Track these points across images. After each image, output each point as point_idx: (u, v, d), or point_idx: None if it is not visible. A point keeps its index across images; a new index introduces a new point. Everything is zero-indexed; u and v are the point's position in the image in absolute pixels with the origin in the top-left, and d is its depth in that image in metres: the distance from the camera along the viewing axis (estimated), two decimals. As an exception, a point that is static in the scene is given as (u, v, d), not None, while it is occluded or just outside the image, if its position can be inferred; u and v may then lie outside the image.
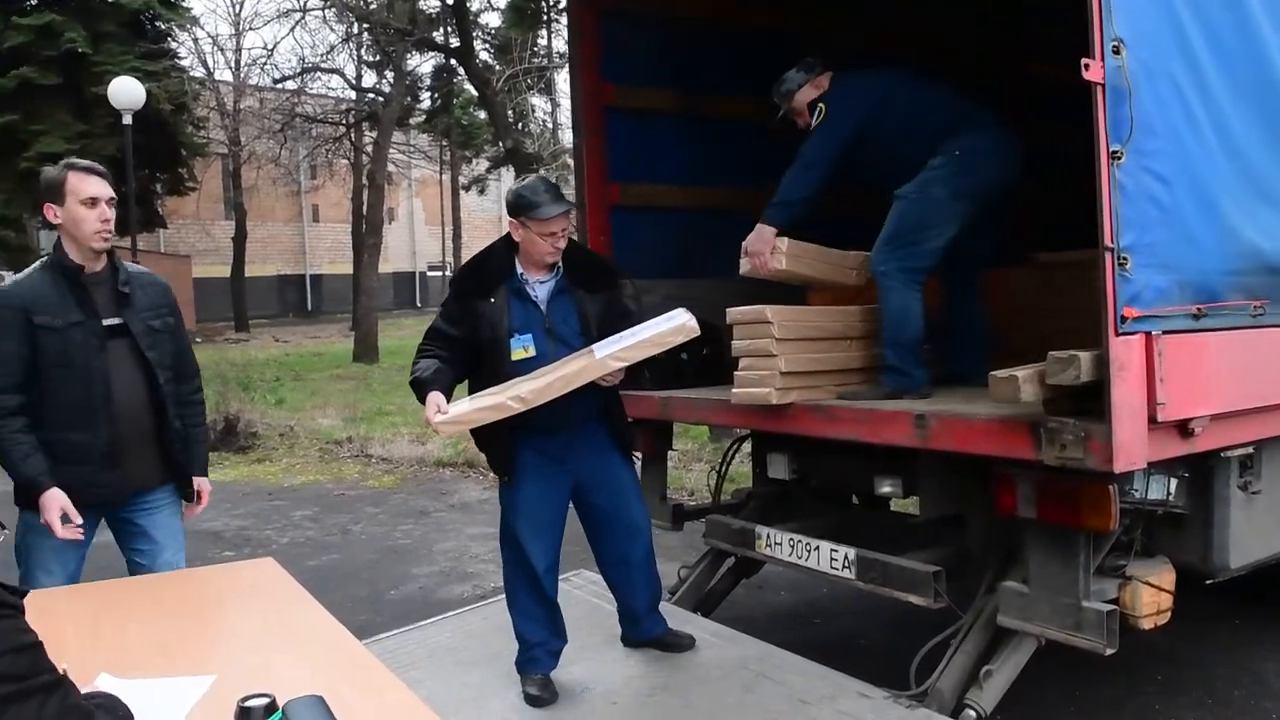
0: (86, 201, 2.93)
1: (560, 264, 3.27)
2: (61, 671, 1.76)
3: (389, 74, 19.33)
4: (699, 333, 3.13)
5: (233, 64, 21.11)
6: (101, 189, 2.98)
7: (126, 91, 10.45)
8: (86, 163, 3.06)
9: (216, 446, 9.63)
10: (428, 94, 23.34)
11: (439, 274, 38.79)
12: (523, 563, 3.35)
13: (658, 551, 3.62)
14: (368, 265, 18.72)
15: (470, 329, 3.24)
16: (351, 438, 9.98)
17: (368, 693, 1.88)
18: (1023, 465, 2.73)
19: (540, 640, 3.40)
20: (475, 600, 4.72)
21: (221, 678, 1.93)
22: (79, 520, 2.92)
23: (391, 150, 22.31)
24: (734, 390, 3.54)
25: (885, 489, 3.58)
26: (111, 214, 3.01)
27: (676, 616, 3.90)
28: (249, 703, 1.73)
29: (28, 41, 16.42)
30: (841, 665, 3.38)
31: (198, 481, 3.33)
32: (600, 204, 4.59)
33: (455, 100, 22.39)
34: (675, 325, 3.10)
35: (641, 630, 3.60)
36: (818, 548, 3.59)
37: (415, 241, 41.02)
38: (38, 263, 3.09)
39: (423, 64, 22.03)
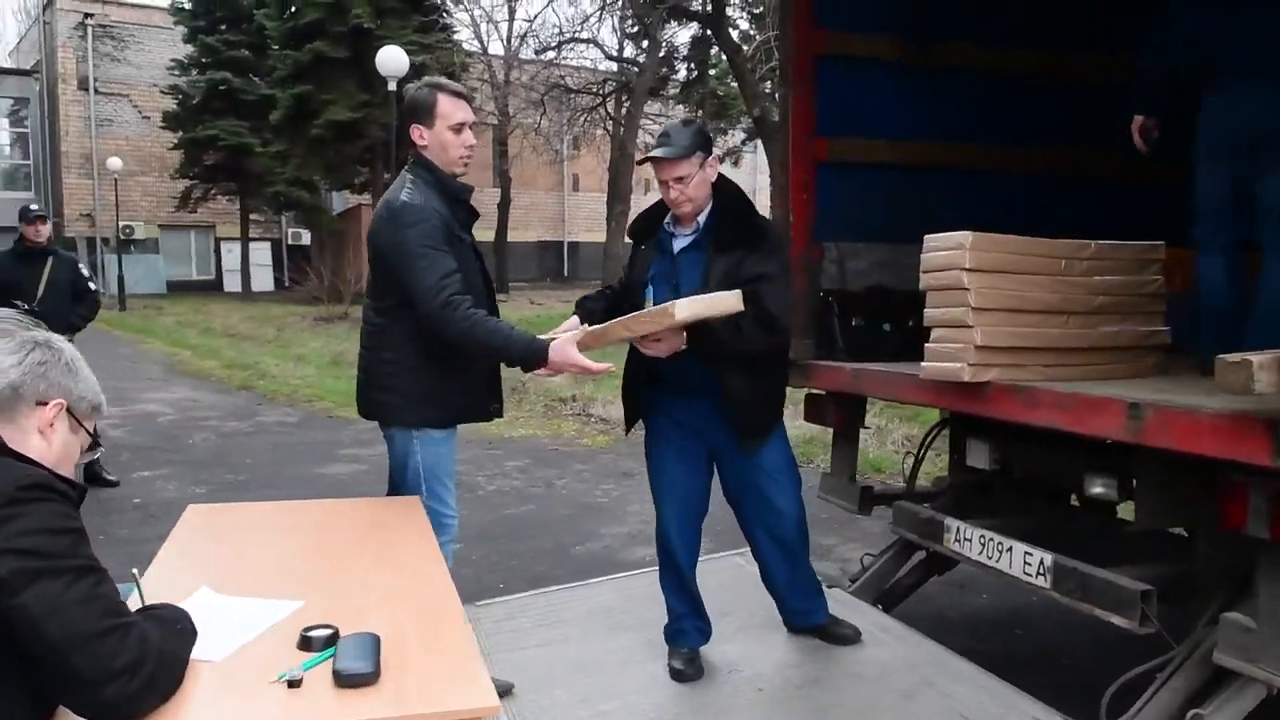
0: (455, 127, 2.85)
1: (707, 217, 3.03)
2: (132, 575, 1.80)
3: (645, 44, 19.58)
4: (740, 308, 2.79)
5: (504, 37, 22.13)
6: (468, 114, 2.92)
7: (392, 59, 11.18)
8: (455, 85, 2.96)
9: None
10: (684, 64, 23.46)
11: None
12: (660, 529, 3.20)
13: (853, 533, 3.31)
14: (615, 233, 19.14)
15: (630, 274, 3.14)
16: (575, 396, 10.20)
17: (434, 642, 1.78)
18: (1257, 472, 2.21)
19: (684, 611, 3.23)
20: (653, 566, 4.62)
21: (309, 605, 1.90)
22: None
23: (648, 121, 22.63)
24: (923, 364, 3.17)
25: (1097, 489, 3.07)
26: (473, 140, 2.93)
27: (848, 606, 3.60)
28: (311, 632, 1.69)
29: (321, 18, 18.06)
30: (1032, 684, 2.97)
31: None
32: (804, 160, 4.27)
33: (711, 70, 22.34)
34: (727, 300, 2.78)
35: (797, 617, 3.34)
36: (1010, 549, 3.15)
37: (668, 212, 41.60)
38: (410, 179, 2.88)
39: (679, 33, 22.11)
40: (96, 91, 25.18)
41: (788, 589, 3.29)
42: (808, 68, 4.27)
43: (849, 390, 3.91)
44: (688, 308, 2.69)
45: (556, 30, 19.95)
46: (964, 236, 3.01)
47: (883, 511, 4.06)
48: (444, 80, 2.98)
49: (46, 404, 1.54)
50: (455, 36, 19.85)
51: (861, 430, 4.33)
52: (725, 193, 3.03)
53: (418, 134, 2.87)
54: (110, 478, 6.27)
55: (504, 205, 28.88)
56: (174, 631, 1.56)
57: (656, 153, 2.92)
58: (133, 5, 26.19)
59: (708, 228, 3.01)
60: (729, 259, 2.96)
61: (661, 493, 3.20)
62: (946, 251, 3.07)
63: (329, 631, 1.72)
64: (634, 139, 20.09)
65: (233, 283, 26.84)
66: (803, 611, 3.33)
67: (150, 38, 25.73)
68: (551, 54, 20.00)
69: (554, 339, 2.74)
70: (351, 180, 21.29)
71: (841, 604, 3.65)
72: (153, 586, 2.03)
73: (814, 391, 4.21)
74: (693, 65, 23.19)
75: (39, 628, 1.34)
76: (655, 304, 2.98)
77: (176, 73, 23.55)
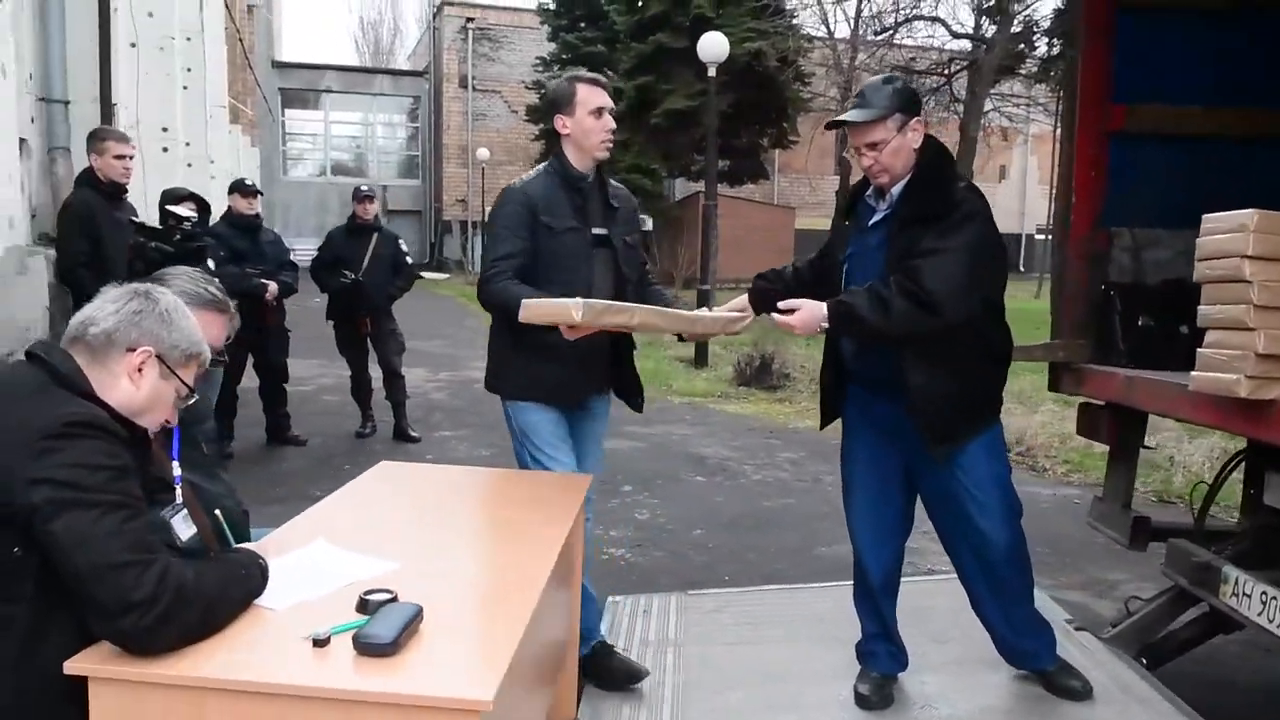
0: (594, 112, 2.91)
1: (902, 188, 2.65)
2: (215, 515, 1.89)
3: (998, 20, 18.16)
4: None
5: (850, 19, 21.60)
6: (606, 100, 2.98)
7: (713, 46, 11.26)
8: (592, 75, 3.07)
9: (748, 381, 10.18)
10: (1044, 39, 21.50)
11: (1046, 238, 36.12)
12: (852, 541, 2.88)
13: (1149, 570, 2.80)
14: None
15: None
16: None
17: (478, 625, 1.70)
18: None
19: (875, 632, 2.91)
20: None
21: (402, 569, 1.91)
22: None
23: (1003, 103, 21.05)
24: (1193, 373, 2.60)
25: None
26: (613, 124, 2.99)
27: (1095, 655, 3.09)
28: (370, 595, 1.69)
29: (665, 10, 18.71)
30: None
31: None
32: (1095, 129, 3.65)
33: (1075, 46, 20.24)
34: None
35: (1015, 657, 2.89)
36: (1298, 613, 2.51)
37: (1025, 201, 38.58)
38: (543, 165, 3.09)
39: (1038, 5, 20.30)
40: (474, 89, 28.06)
41: (1002, 624, 2.85)
42: (1105, 20, 3.65)
43: (1121, 400, 3.32)
44: (582, 309, 2.55)
45: (898, 8, 19.05)
46: (1247, 216, 2.42)
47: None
48: (581, 71, 3.08)
49: (135, 350, 1.65)
50: (795, 21, 19.61)
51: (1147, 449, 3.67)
52: (925, 157, 2.64)
53: (561, 123, 2.95)
54: (414, 434, 6.89)
55: (841, 193, 28.44)
56: (228, 576, 1.61)
57: (846, 115, 2.62)
58: (506, 9, 28.84)
59: (899, 200, 2.64)
60: (909, 237, 2.58)
61: (853, 501, 2.90)
62: (1225, 235, 2.50)
63: (387, 597, 1.70)
64: (977, 122, 18.77)
65: (580, 265, 28.78)
66: (1021, 653, 2.88)
67: (520, 38, 28.18)
68: (890, 33, 19.18)
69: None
70: (688, 167, 21.93)
71: (1088, 652, 3.13)
72: (287, 531, 2.15)
73: (1090, 401, 3.63)
74: (1054, 39, 21.17)
75: (67, 555, 1.43)
76: (852, 285, 2.69)
77: (540, 69, 25.59)
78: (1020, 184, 38.65)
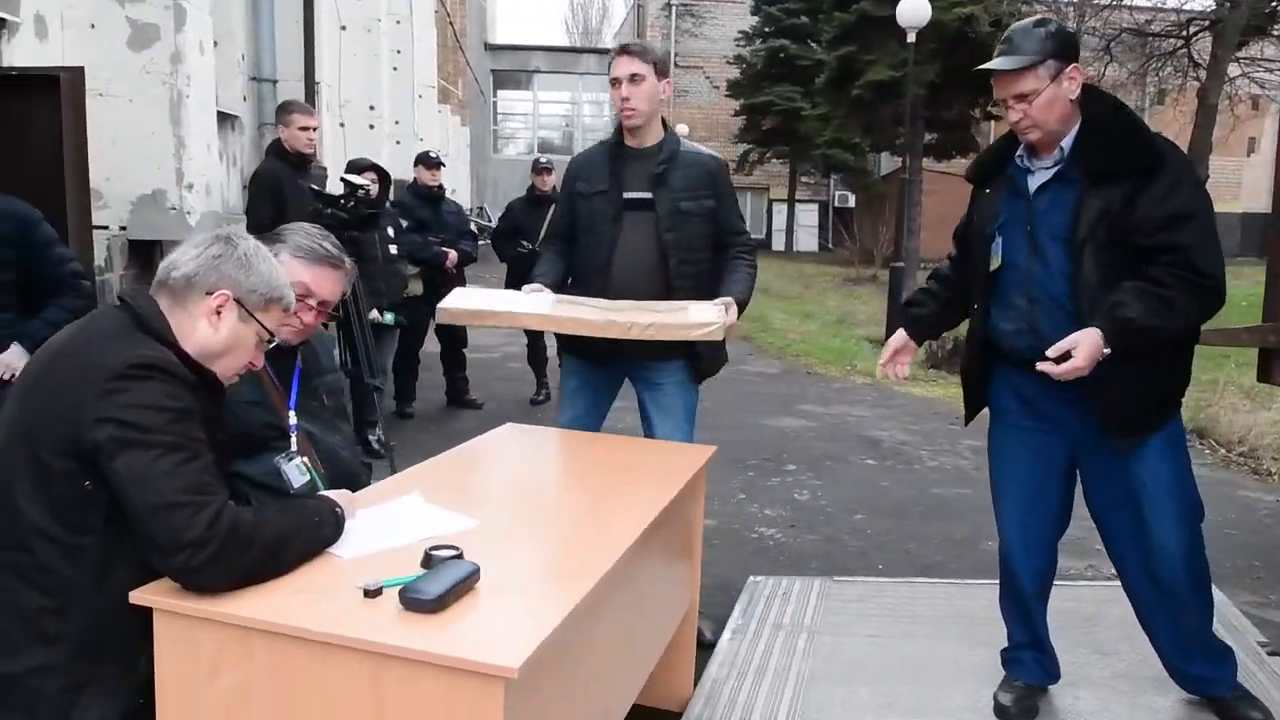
0: (611, 83, 3.05)
1: (1073, 141, 2.33)
2: (304, 462, 1.91)
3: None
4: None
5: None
6: (618, 70, 3.02)
7: (913, 10, 10.72)
8: (623, 44, 3.12)
9: (939, 365, 9.66)
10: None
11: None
12: (1001, 540, 2.62)
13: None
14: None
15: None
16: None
17: (531, 592, 1.64)
18: None
19: (1020, 640, 2.64)
20: (1077, 579, 3.86)
21: (481, 527, 1.88)
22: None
23: (1253, 68, 18.89)
24: None
25: None
26: (626, 94, 3.00)
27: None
28: (435, 550, 1.67)
29: (869, -23, 17.96)
30: None
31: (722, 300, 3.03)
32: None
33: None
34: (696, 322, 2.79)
35: (1185, 681, 2.55)
36: None
37: None
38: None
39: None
40: (676, 65, 28.13)
41: (1169, 642, 2.51)
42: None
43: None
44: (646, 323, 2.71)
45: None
46: None
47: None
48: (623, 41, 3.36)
49: (214, 294, 1.68)
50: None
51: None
52: (1096, 107, 2.32)
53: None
54: (538, 398, 7.01)
55: (980, 159, 26.51)
56: (297, 523, 1.62)
57: (992, 63, 2.33)
58: (708, -17, 28.74)
59: (1075, 154, 2.32)
60: (1111, 191, 2.25)
61: (1003, 495, 2.62)
62: None
63: (451, 554, 1.67)
64: (1220, 89, 16.93)
65: (779, 242, 28.39)
66: (1192, 677, 2.53)
67: (723, 13, 27.99)
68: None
69: None
70: (891, 141, 21.08)
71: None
72: (390, 484, 2.18)
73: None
74: (1321, -6, 18.72)
75: (126, 493, 1.47)
76: (1006, 260, 2.42)
77: (742, 43, 25.31)
78: (1271, 158, 34.70)
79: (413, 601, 1.47)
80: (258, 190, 4.70)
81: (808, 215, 28.85)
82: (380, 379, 4.81)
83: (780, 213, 28.73)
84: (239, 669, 1.45)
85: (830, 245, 26.45)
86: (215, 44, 6.67)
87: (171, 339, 1.63)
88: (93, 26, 4.40)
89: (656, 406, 3.22)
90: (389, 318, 5.44)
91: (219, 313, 1.69)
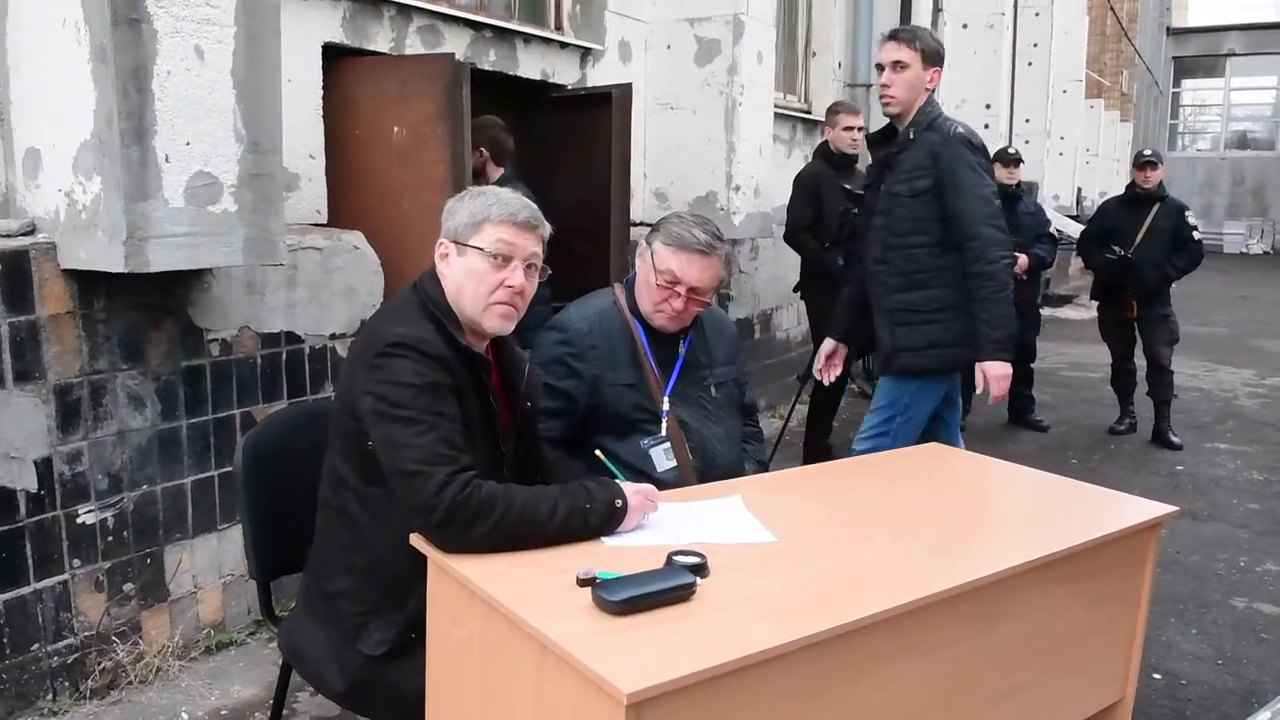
0: (878, 69, 3.10)
1: None
2: (597, 455, 1.94)
3: None
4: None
5: None
6: (882, 54, 3.06)
7: None
8: (895, 27, 3.24)
9: None
10: None
11: None
12: None
13: None
14: None
15: None
16: None
17: (737, 620, 1.45)
18: None
19: None
20: None
21: (780, 545, 1.75)
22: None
23: None
24: None
25: None
26: (890, 79, 3.01)
27: None
28: (678, 556, 1.63)
29: None
30: None
31: (979, 367, 2.99)
32: None
33: None
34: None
35: None
36: None
37: None
38: None
39: None
40: None
41: None
42: None
43: None
44: None
45: None
46: None
47: None
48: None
49: (439, 246, 1.84)
50: None
51: None
52: None
53: None
54: (1175, 440, 5.88)
55: None
56: (556, 506, 1.66)
57: None
58: None
59: None
60: None
61: None
62: None
63: (693, 561, 1.58)
64: None
65: None
66: None
67: None
68: None
69: None
70: None
71: None
72: (729, 484, 2.13)
73: None
74: None
75: (381, 457, 1.66)
76: None
77: None
78: None
79: (600, 599, 1.42)
80: (797, 190, 4.85)
81: None
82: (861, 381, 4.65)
83: None
84: (465, 625, 1.55)
85: None
86: (814, 54, 7.06)
87: (448, 310, 1.79)
88: (668, 47, 4.97)
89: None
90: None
91: (445, 259, 1.83)
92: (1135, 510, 2.11)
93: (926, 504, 2.11)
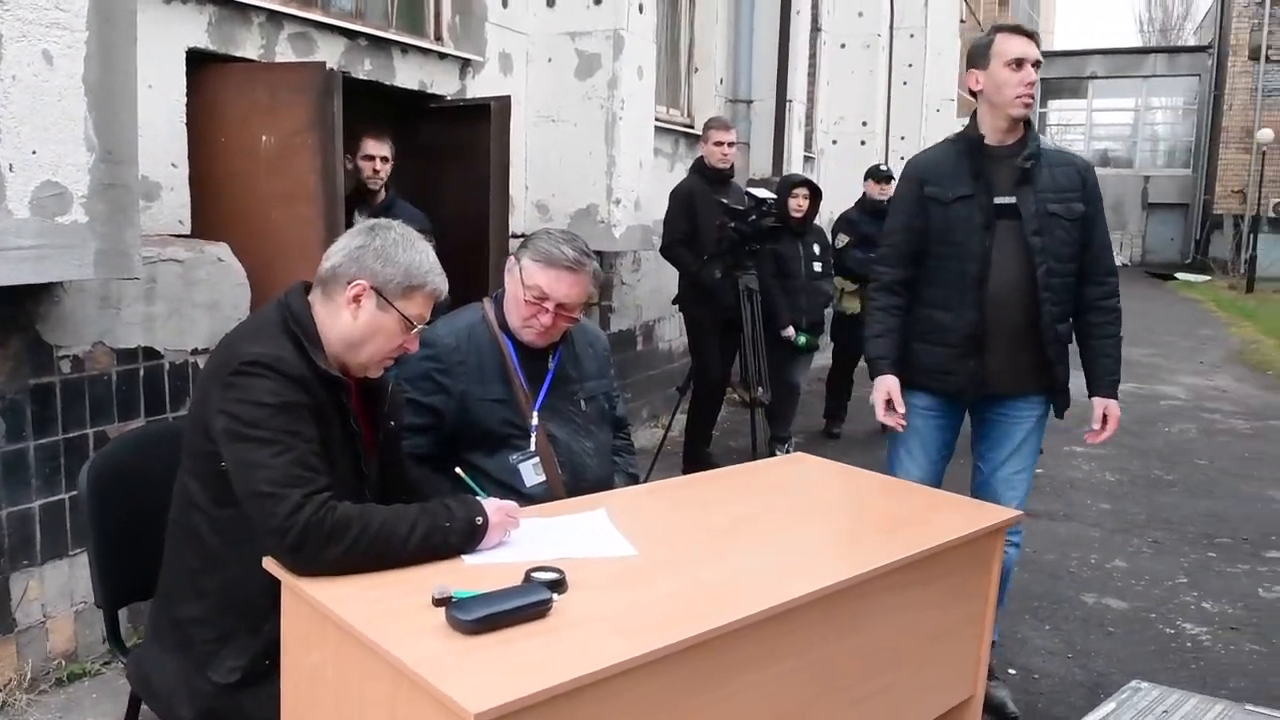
0: (1011, 64, 2.68)
1: None
2: (456, 472, 1.93)
3: None
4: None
5: None
6: (1028, 50, 2.70)
7: None
8: (1015, 23, 2.82)
9: None
10: None
11: None
12: None
13: None
14: None
15: None
16: None
17: (595, 633, 1.48)
18: None
19: None
20: None
21: (638, 558, 1.78)
22: (902, 411, 2.80)
23: None
24: None
25: None
26: (1033, 77, 2.70)
27: None
28: (537, 573, 1.63)
29: None
30: None
31: (1101, 404, 2.84)
32: None
33: None
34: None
35: None
36: None
37: None
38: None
39: None
40: (1267, 60, 23.69)
41: None
42: None
43: None
44: None
45: None
46: None
47: None
48: (1009, 22, 2.92)
49: (353, 284, 1.75)
50: None
51: None
52: None
53: (974, 80, 2.77)
54: None
55: None
56: (414, 524, 1.64)
57: None
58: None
59: None
60: None
61: None
62: None
63: (550, 577, 1.59)
64: None
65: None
66: None
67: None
68: None
69: None
70: None
71: None
72: (594, 498, 2.15)
73: None
74: None
75: (234, 479, 1.62)
76: None
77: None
78: None
79: (454, 619, 1.42)
80: (673, 205, 4.93)
81: None
82: (763, 394, 4.76)
83: None
84: (319, 650, 1.53)
85: None
86: (696, 69, 7.18)
87: (313, 333, 1.74)
88: (549, 60, 4.98)
89: (1008, 438, 2.88)
90: (802, 339, 5.36)
91: (358, 301, 1.76)
92: (984, 515, 2.23)
93: (789, 513, 2.18)
